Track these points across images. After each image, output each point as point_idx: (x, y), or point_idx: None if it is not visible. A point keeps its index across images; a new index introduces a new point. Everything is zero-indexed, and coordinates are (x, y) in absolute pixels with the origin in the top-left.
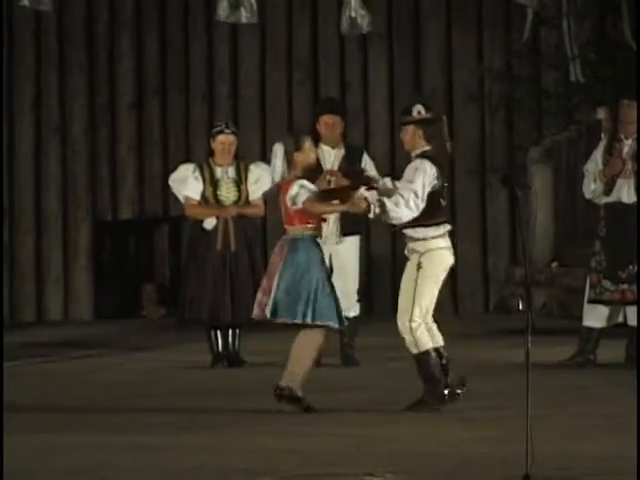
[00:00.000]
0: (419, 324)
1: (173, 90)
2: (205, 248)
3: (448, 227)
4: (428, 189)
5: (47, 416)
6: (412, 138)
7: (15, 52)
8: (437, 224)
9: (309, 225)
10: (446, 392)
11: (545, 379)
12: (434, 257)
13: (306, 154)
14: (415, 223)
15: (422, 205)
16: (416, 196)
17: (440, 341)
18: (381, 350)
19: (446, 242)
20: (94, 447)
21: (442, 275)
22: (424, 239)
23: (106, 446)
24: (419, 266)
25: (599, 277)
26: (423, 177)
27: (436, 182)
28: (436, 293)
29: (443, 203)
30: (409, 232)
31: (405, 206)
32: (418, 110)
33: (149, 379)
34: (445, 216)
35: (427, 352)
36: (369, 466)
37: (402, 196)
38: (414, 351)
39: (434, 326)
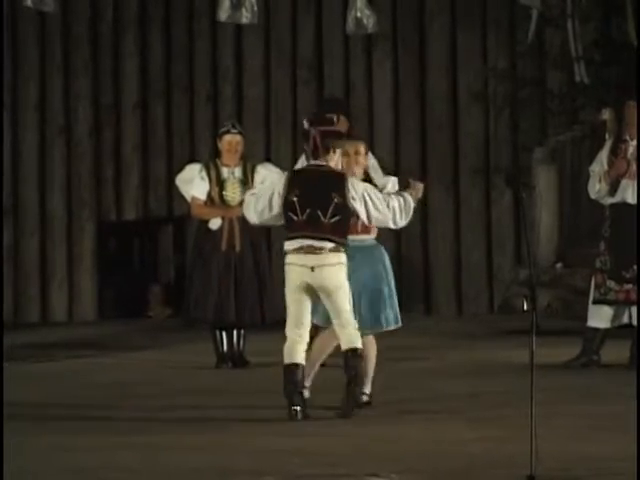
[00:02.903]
0: (289, 337)
1: (178, 90)
2: (210, 248)
3: (305, 242)
4: (278, 201)
5: (49, 416)
6: None
7: (19, 52)
8: (290, 238)
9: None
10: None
11: (549, 379)
12: (286, 273)
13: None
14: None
15: (253, 210)
16: (256, 199)
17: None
18: (381, 350)
19: (300, 259)
20: (94, 447)
21: (295, 292)
22: (285, 253)
23: (107, 446)
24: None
25: (604, 277)
26: (272, 186)
27: (285, 196)
28: (293, 309)
29: (298, 218)
30: None
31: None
32: (303, 123)
33: (153, 379)
34: (300, 231)
35: (285, 366)
36: (372, 466)
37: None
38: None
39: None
